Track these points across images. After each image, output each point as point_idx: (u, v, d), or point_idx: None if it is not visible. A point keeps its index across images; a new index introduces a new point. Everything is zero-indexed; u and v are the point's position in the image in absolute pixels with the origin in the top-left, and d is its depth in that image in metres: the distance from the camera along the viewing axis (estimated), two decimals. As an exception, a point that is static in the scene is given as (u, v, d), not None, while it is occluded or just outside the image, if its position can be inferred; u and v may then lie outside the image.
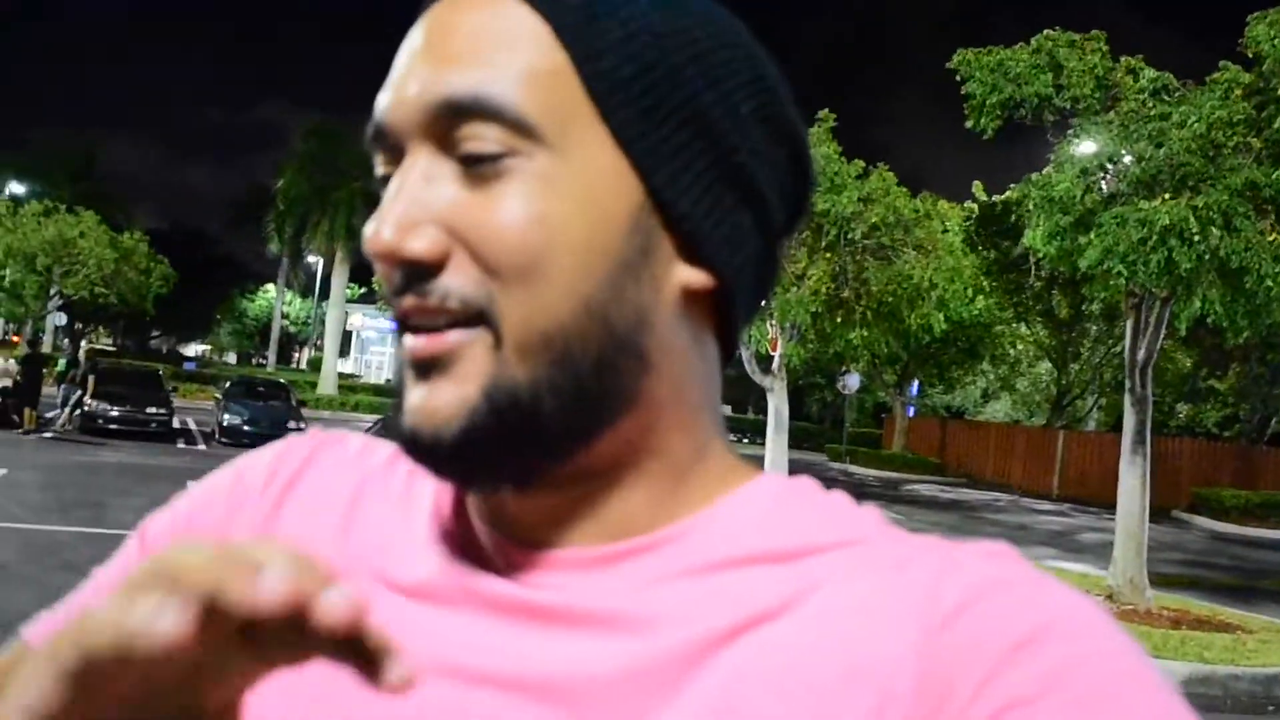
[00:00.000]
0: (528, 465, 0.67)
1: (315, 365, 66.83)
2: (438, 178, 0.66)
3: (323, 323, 72.84)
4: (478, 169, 0.65)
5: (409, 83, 0.68)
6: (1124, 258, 11.09)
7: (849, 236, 17.73)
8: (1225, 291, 11.30)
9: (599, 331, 0.66)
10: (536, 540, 0.71)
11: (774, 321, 18.48)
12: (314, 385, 46.97)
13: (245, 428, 26.37)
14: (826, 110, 18.77)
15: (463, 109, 0.65)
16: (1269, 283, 10.89)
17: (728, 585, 0.66)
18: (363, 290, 70.84)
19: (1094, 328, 34.30)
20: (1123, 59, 12.50)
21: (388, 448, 0.83)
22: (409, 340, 0.67)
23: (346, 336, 59.48)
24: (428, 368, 0.66)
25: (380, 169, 0.71)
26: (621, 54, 0.66)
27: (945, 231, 18.72)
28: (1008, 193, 22.97)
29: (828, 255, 17.91)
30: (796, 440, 20.10)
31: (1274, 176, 10.77)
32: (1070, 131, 12.60)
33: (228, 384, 30.42)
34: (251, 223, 57.78)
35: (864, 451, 43.00)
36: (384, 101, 0.69)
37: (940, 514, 25.42)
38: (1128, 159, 11.69)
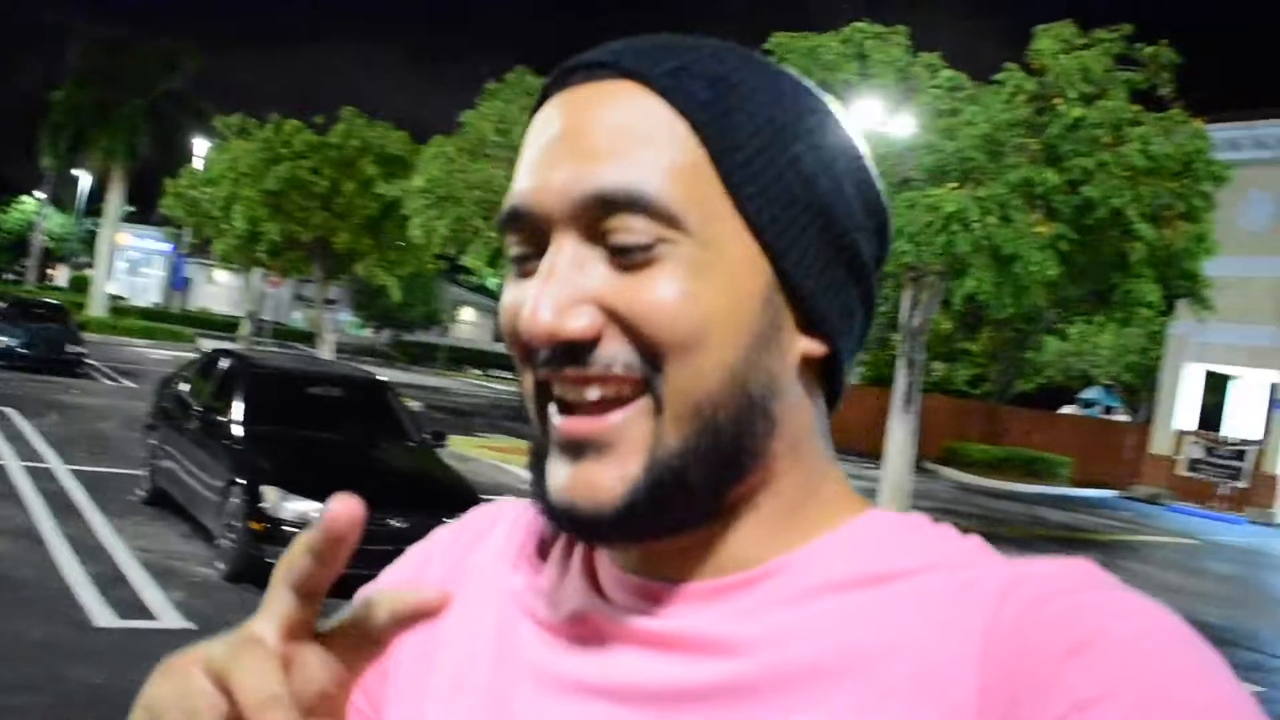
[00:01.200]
0: (671, 526, 0.72)
1: (77, 284, 63.71)
2: (588, 263, 0.70)
3: (82, 241, 69.35)
4: (629, 257, 0.69)
5: (553, 172, 0.71)
6: (912, 238, 12.14)
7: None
8: (997, 273, 12.46)
9: (739, 398, 0.70)
10: (658, 575, 0.75)
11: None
12: (81, 306, 45.14)
13: (20, 350, 24.83)
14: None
15: (615, 203, 0.68)
16: (1033, 268, 12.12)
17: (821, 611, 0.70)
18: (132, 210, 68.06)
19: (862, 287, 35.83)
20: (921, 55, 13.55)
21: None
22: (562, 422, 0.71)
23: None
24: (582, 448, 0.70)
25: (514, 249, 0.74)
26: (751, 147, 0.71)
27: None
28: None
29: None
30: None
31: (1045, 176, 11.99)
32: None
33: (1, 304, 28.77)
34: (14, 132, 54.71)
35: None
36: (526, 187, 0.72)
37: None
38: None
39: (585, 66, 0.74)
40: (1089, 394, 49.78)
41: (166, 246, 66.38)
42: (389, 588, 0.85)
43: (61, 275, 76.50)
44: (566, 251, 0.70)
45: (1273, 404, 30.80)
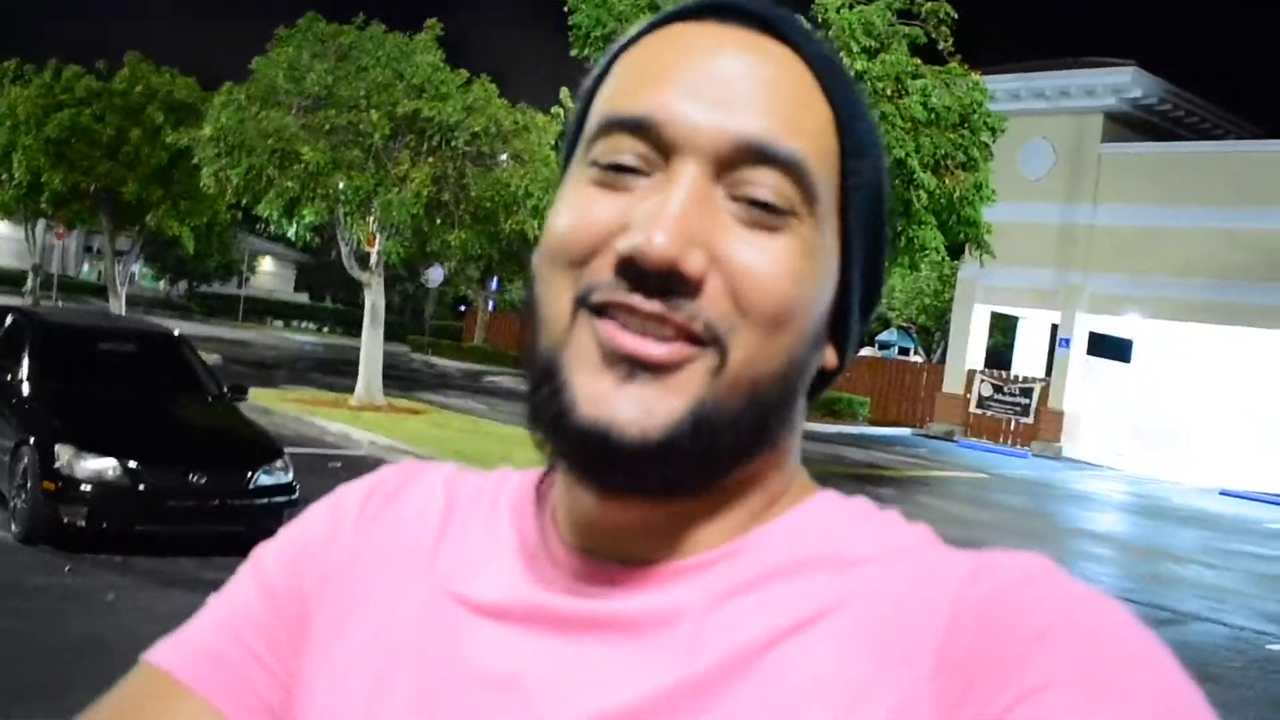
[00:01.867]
0: (684, 483, 0.70)
1: None
2: (712, 205, 0.67)
3: None
4: (761, 215, 0.68)
5: (703, 101, 0.68)
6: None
7: (452, 143, 18.32)
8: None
9: (788, 386, 0.71)
10: (609, 553, 0.73)
11: (375, 219, 18.89)
12: None
13: None
14: (434, 20, 19.32)
15: (772, 159, 0.68)
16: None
17: (774, 595, 0.69)
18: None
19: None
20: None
21: (477, 477, 0.88)
22: (623, 336, 0.66)
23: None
24: (636, 368, 0.66)
25: (608, 156, 0.70)
26: (865, 158, 0.73)
27: (548, 146, 19.58)
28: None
29: (431, 160, 18.44)
30: (381, 333, 20.68)
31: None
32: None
33: None
34: None
35: (446, 344, 43.85)
36: (662, 102, 0.69)
37: (522, 405, 26.35)
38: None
39: (745, 12, 0.72)
40: (885, 336, 51.34)
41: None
42: (288, 547, 0.87)
43: None
44: (693, 186, 0.68)
45: (1058, 343, 32.26)
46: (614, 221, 0.68)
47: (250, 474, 9.24)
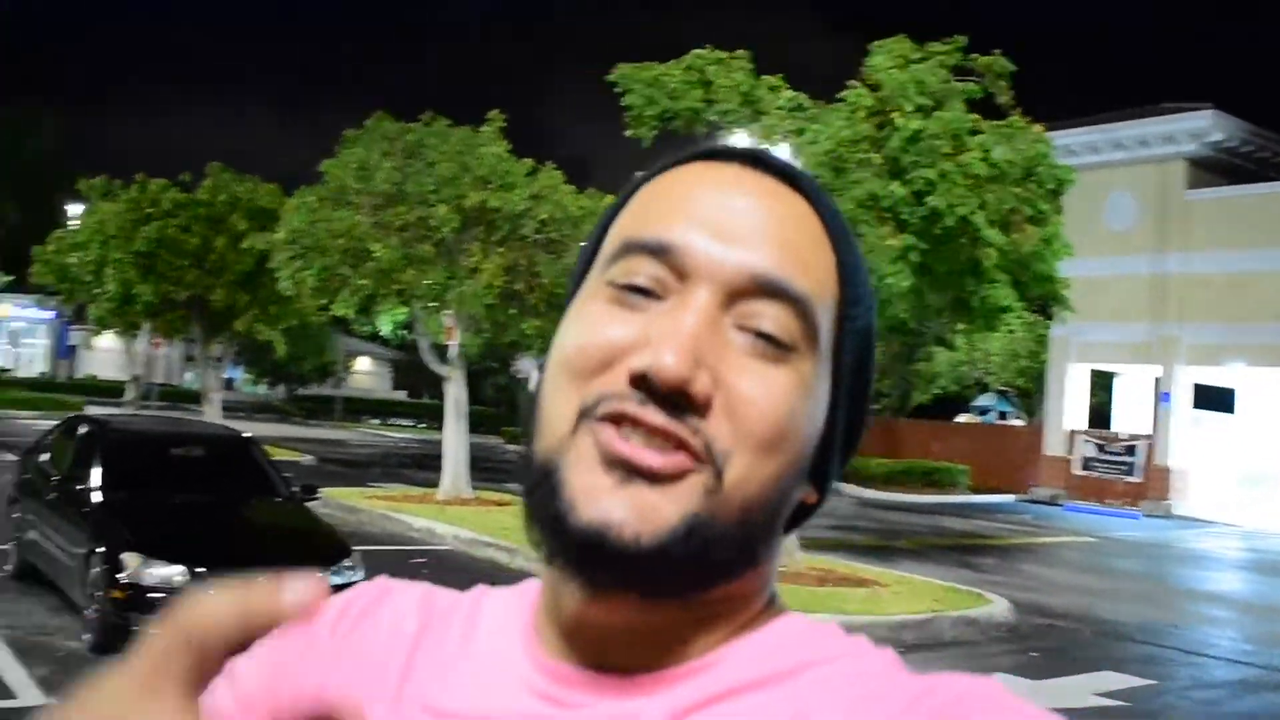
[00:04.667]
0: (671, 589, 0.72)
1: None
2: (722, 331, 0.72)
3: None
4: (763, 346, 0.73)
5: (718, 234, 0.74)
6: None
7: (520, 232, 18.43)
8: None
9: (775, 510, 0.74)
10: (596, 661, 0.76)
11: (450, 313, 19.05)
12: (-41, 382, 43.87)
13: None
14: (497, 111, 19.54)
15: (780, 294, 0.73)
16: (889, 280, 12.32)
17: (745, 706, 0.72)
18: (10, 278, 66.49)
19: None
20: (764, 77, 13.77)
21: (451, 595, 0.90)
22: (624, 444, 0.69)
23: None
24: (634, 474, 0.69)
25: (625, 277, 0.75)
26: (860, 309, 0.79)
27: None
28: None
29: (501, 250, 18.55)
30: (472, 424, 20.74)
31: (890, 188, 12.19)
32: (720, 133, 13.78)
33: None
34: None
35: (539, 434, 43.96)
36: (684, 230, 0.74)
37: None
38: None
39: (762, 160, 0.80)
40: (982, 401, 50.58)
41: (50, 315, 64.99)
42: (265, 658, 0.86)
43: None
44: (704, 310, 0.72)
45: (1159, 397, 31.46)
46: (627, 339, 0.72)
47: (319, 574, 9.15)
